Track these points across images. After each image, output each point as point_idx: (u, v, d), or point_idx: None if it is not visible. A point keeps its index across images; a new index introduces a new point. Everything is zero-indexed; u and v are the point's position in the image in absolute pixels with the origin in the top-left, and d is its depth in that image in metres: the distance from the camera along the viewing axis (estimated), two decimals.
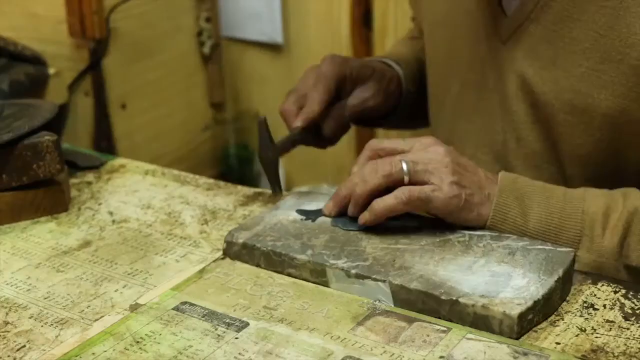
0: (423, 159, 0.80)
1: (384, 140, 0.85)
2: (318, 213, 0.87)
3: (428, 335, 0.70)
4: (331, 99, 0.99)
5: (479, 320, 0.70)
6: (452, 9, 1.01)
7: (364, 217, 0.81)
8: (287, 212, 0.87)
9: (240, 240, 0.82)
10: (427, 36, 1.08)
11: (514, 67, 0.91)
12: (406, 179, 0.80)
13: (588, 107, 0.86)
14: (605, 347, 0.68)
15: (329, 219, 0.85)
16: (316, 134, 1.00)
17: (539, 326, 0.71)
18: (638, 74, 0.82)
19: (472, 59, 0.98)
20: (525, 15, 0.89)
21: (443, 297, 0.71)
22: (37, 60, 1.66)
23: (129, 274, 0.82)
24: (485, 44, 0.95)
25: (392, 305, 0.74)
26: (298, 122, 0.96)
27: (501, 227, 0.81)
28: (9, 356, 0.69)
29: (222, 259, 0.84)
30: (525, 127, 0.92)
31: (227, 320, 0.73)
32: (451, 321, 0.71)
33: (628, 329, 0.70)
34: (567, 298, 0.75)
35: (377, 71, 1.05)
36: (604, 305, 0.73)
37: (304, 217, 0.86)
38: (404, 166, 0.80)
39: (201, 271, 0.81)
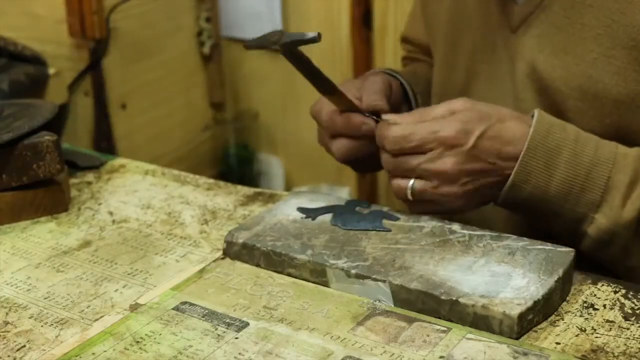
0: (433, 180, 0.82)
1: (408, 131, 0.83)
2: (318, 211, 0.87)
3: (428, 335, 0.70)
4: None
5: (479, 320, 0.70)
6: (457, 3, 1.01)
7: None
8: (287, 212, 0.87)
9: (240, 240, 0.82)
10: (434, 37, 1.08)
11: (524, 55, 0.91)
12: (410, 198, 0.84)
13: (599, 92, 0.86)
14: (605, 347, 0.68)
15: (328, 218, 0.85)
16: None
17: (539, 326, 0.71)
18: None
19: (481, 50, 0.98)
20: (537, 3, 0.89)
21: (443, 297, 0.71)
22: (37, 60, 1.66)
23: (129, 274, 0.82)
24: (494, 33, 0.95)
25: (392, 305, 0.74)
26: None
27: (522, 188, 0.82)
28: (9, 356, 0.69)
29: (222, 259, 0.84)
30: None
31: (227, 320, 0.73)
32: (451, 321, 0.71)
33: (628, 329, 0.70)
34: (567, 298, 0.75)
35: (361, 77, 1.03)
36: (604, 305, 0.73)
37: (304, 215, 0.86)
38: (409, 193, 0.83)
39: (201, 271, 0.81)
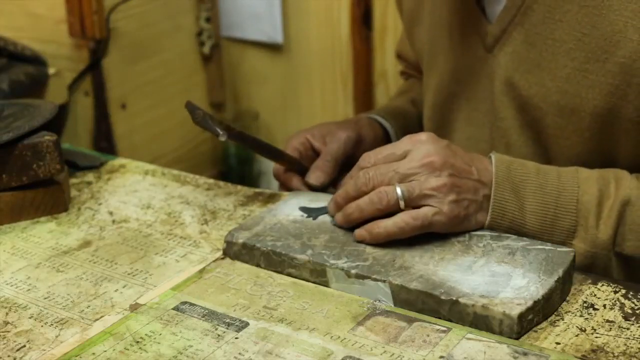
0: (419, 179, 0.79)
1: (376, 151, 0.84)
2: (320, 211, 0.87)
3: (428, 335, 0.70)
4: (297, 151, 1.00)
5: (479, 320, 0.70)
6: (434, 25, 1.01)
7: (363, 235, 0.80)
8: (287, 212, 0.87)
9: (240, 240, 0.82)
10: (420, 59, 1.08)
11: (500, 73, 0.91)
12: (402, 204, 0.79)
13: (576, 107, 0.86)
14: (605, 347, 0.68)
15: (329, 218, 0.85)
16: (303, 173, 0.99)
17: (539, 326, 0.71)
18: (625, 72, 0.82)
19: (457, 71, 0.98)
20: (508, 21, 0.89)
21: (443, 297, 0.71)
22: (37, 60, 1.66)
23: (129, 274, 0.82)
24: (470, 54, 0.95)
25: (392, 305, 0.74)
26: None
27: (500, 224, 0.81)
28: (9, 356, 0.69)
29: (222, 259, 0.84)
30: (514, 132, 0.92)
31: (227, 320, 0.73)
32: (451, 321, 0.71)
33: (628, 329, 0.70)
34: (567, 298, 0.75)
35: (340, 122, 1.05)
36: (604, 305, 0.74)
37: (305, 214, 0.86)
38: (399, 194, 0.79)
39: (201, 271, 0.81)
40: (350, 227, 0.83)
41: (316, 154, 1.00)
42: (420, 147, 0.81)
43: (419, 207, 0.79)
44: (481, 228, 0.82)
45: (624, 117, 0.84)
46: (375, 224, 0.80)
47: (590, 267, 0.82)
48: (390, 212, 0.80)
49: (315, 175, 0.97)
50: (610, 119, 0.85)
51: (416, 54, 1.11)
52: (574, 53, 0.85)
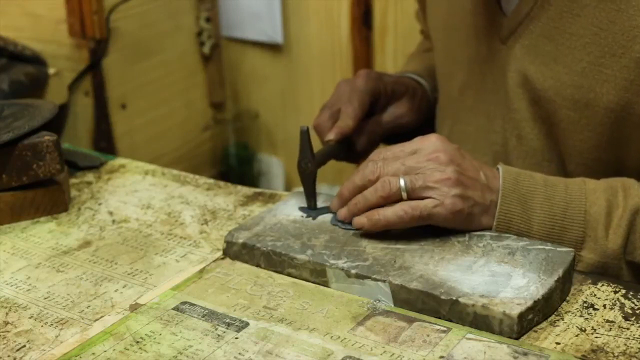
0: (424, 172, 0.80)
1: (388, 148, 0.85)
2: (320, 211, 0.87)
3: (428, 335, 0.70)
4: (365, 114, 1.00)
5: (479, 320, 0.70)
6: (451, 13, 1.02)
7: (362, 222, 0.81)
8: (287, 212, 0.87)
9: (240, 240, 0.82)
10: (433, 45, 1.09)
11: (515, 65, 0.91)
12: (404, 195, 0.79)
13: (590, 102, 0.86)
14: (605, 347, 0.68)
15: (329, 218, 0.85)
16: (348, 149, 1.00)
17: (539, 326, 0.71)
18: None
19: (471, 62, 0.98)
20: (525, 14, 0.90)
21: (443, 297, 0.71)
22: (37, 60, 1.66)
23: (129, 274, 0.82)
24: (484, 45, 0.96)
25: (392, 305, 0.74)
26: (331, 136, 0.96)
27: (505, 233, 0.81)
28: (9, 356, 0.69)
29: (222, 259, 0.84)
30: (526, 124, 0.92)
31: (227, 320, 0.73)
32: (451, 321, 0.71)
33: (628, 329, 0.70)
34: (567, 298, 0.75)
35: (410, 89, 1.07)
36: (604, 305, 0.74)
37: (305, 215, 0.86)
38: (402, 184, 0.79)
39: (201, 271, 0.81)
40: (349, 226, 0.83)
41: (373, 105, 1.03)
42: (429, 145, 0.82)
43: (421, 199, 0.79)
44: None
45: (637, 112, 0.84)
46: (374, 210, 0.80)
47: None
48: (393, 202, 0.80)
49: (333, 132, 0.97)
50: (624, 114, 0.85)
51: (430, 38, 1.12)
52: (590, 47, 0.85)
